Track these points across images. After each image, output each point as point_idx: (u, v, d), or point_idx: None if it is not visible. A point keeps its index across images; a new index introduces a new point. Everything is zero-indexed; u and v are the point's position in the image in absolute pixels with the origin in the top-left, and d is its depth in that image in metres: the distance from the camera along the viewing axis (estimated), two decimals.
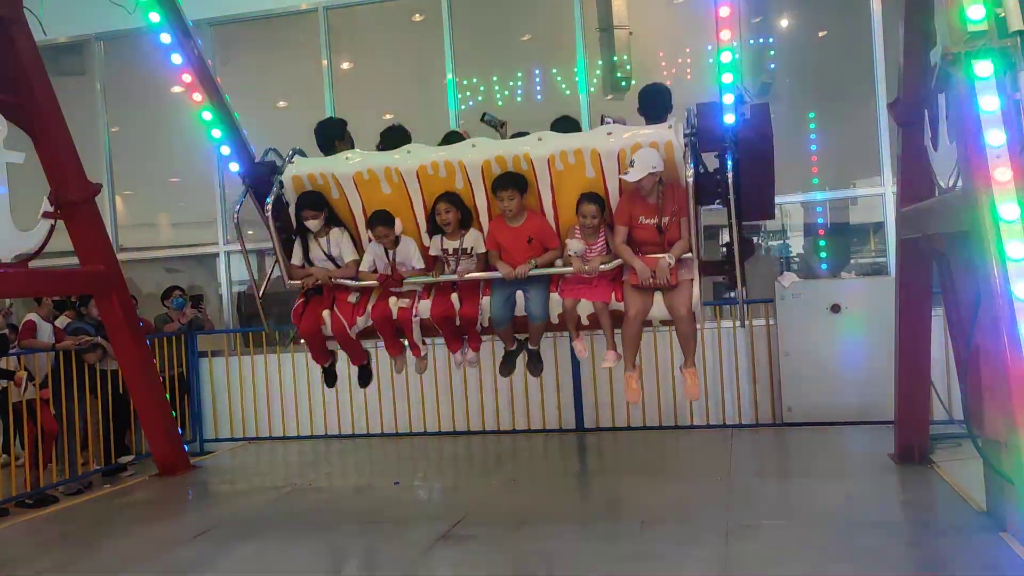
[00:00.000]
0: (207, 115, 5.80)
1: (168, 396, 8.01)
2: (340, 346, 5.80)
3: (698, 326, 5.27)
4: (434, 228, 5.36)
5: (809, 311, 7.79)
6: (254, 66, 10.42)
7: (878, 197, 8.47)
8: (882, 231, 8.57)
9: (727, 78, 5.06)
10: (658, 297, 5.15)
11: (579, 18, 9.23)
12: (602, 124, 5.40)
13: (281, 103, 10.53)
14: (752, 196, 5.20)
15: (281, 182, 5.51)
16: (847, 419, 7.54)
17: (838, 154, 8.86)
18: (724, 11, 5.01)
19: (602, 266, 5.12)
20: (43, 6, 6.66)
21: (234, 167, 5.83)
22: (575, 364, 8.28)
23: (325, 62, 9.76)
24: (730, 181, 5.00)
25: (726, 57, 5.07)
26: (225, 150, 5.83)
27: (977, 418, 4.75)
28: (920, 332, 6.13)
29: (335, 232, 5.50)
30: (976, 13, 4.14)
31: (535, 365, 5.80)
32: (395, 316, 5.47)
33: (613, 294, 5.22)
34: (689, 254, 5.04)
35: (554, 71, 9.62)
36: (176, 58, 5.73)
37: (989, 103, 4.14)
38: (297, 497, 6.68)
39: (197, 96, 5.76)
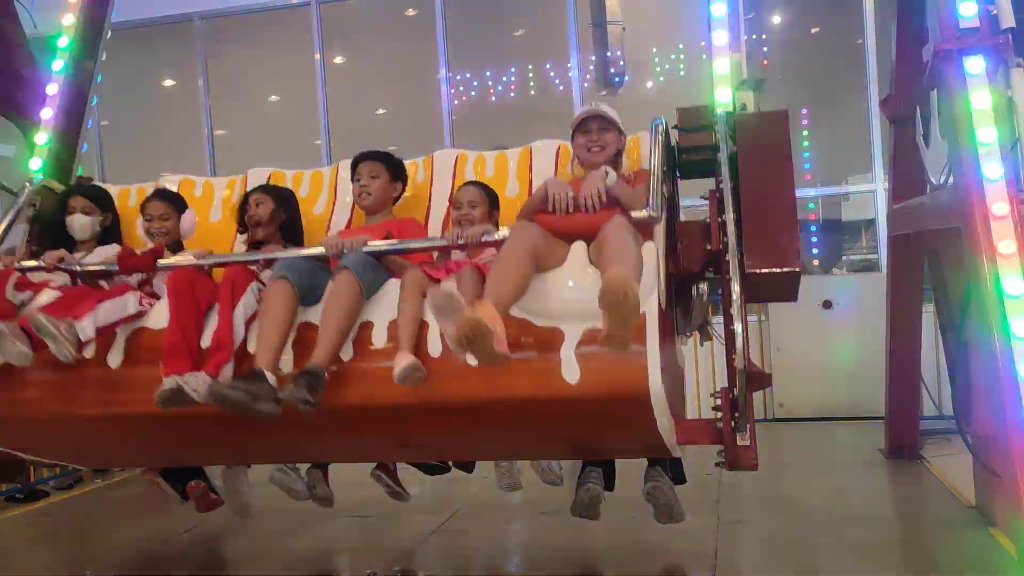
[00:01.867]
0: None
1: None
2: None
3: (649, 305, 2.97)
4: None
5: (801, 307, 7.76)
6: (245, 60, 10.40)
7: (870, 194, 8.51)
8: (873, 227, 8.61)
9: (723, 95, 3.78)
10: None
11: (572, 14, 9.23)
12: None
13: (273, 97, 10.52)
14: (763, 236, 3.14)
15: None
16: (838, 415, 7.58)
17: (830, 150, 8.91)
18: (718, 9, 4.19)
19: (487, 236, 3.31)
20: None
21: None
22: None
23: (318, 56, 9.74)
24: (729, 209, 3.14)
25: (721, 66, 3.95)
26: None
27: (966, 414, 4.78)
28: (911, 328, 6.17)
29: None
30: (968, 10, 4.15)
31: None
32: None
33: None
34: (646, 213, 3.05)
35: (547, 66, 9.63)
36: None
37: (980, 100, 4.15)
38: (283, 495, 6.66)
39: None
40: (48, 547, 5.58)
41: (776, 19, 9.34)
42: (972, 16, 4.15)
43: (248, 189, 4.22)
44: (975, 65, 4.17)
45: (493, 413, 3.18)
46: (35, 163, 4.97)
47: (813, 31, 9.32)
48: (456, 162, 4.23)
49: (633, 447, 3.62)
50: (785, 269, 3.16)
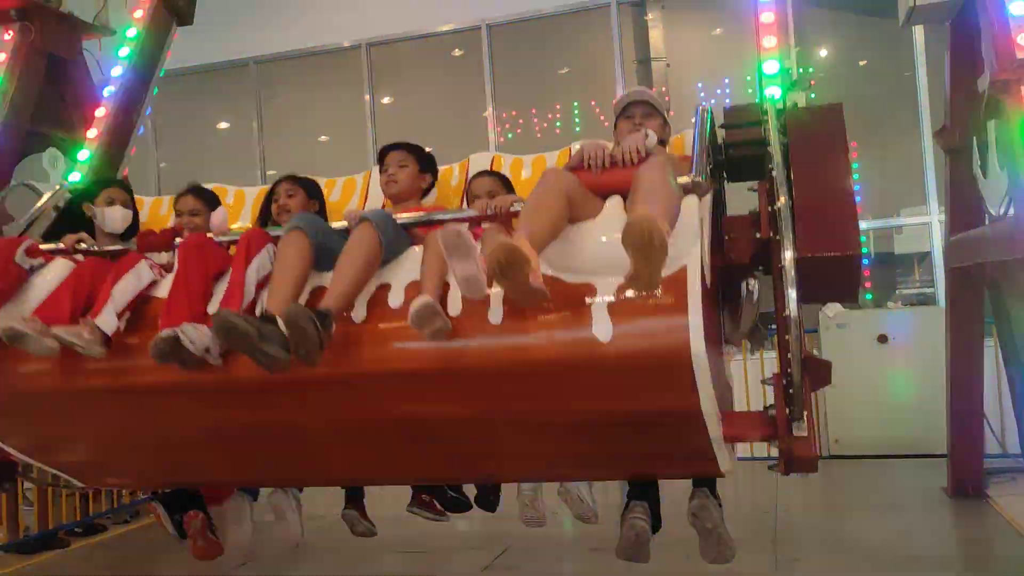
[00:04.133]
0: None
1: None
2: None
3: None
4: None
5: (855, 342, 7.68)
6: (297, 102, 10.67)
7: (924, 226, 8.37)
8: (928, 260, 8.46)
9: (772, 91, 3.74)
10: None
11: (617, 51, 9.33)
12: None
13: (323, 137, 10.76)
14: (819, 220, 2.90)
15: None
16: (897, 452, 7.39)
17: (881, 183, 8.79)
18: (767, 17, 4.23)
19: (515, 206, 3.04)
20: (101, 48, 6.91)
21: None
22: None
23: (367, 97, 9.97)
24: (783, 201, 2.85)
25: (771, 67, 3.97)
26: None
27: None
28: (972, 363, 6.01)
29: None
30: None
31: None
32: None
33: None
34: (690, 178, 2.89)
35: (592, 103, 9.71)
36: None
37: None
38: (338, 527, 6.69)
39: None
40: None
41: (823, 52, 9.32)
42: None
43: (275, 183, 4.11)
44: None
45: (518, 381, 2.88)
46: (74, 176, 5.23)
47: (861, 64, 9.27)
48: (491, 165, 4.08)
49: (673, 440, 3.09)
50: (845, 253, 2.84)
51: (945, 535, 5.53)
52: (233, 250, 3.33)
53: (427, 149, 4.02)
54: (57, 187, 4.64)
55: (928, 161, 8.24)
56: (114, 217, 4.05)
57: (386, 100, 10.23)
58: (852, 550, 5.18)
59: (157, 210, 4.59)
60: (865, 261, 9.18)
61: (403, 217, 3.29)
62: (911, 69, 8.44)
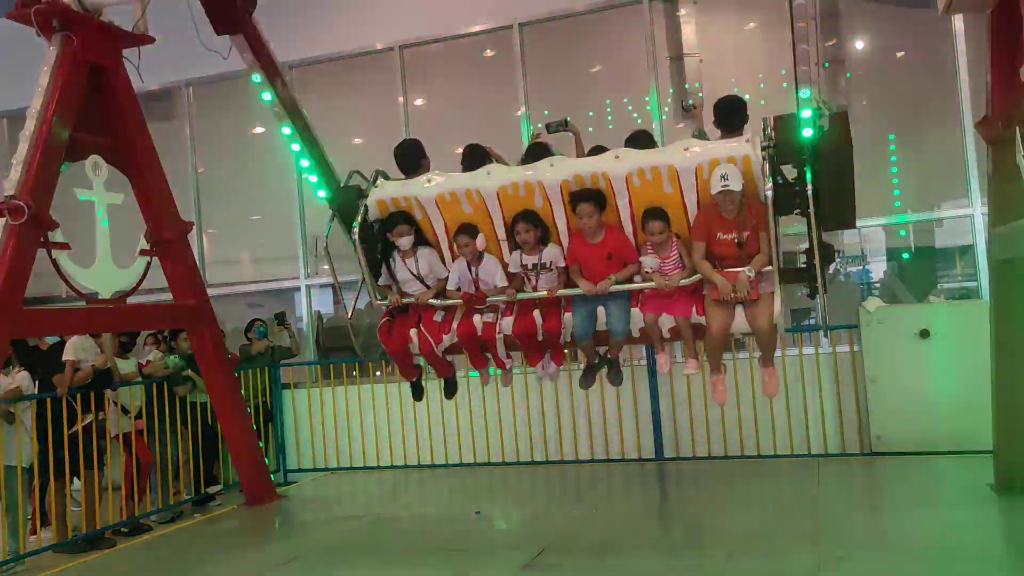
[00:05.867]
0: (295, 147, 6.28)
1: (254, 427, 8.22)
2: (427, 362, 5.95)
3: (779, 335, 5.27)
4: (515, 244, 5.43)
5: (896, 337, 7.57)
6: (331, 105, 10.74)
7: (965, 218, 8.22)
8: (970, 253, 8.30)
9: (805, 94, 4.87)
10: (739, 310, 5.14)
11: (649, 48, 9.28)
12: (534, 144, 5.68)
13: (356, 140, 10.83)
14: (833, 205, 5.12)
15: (367, 206, 5.62)
16: (941, 448, 7.26)
17: (921, 176, 8.64)
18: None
19: (682, 281, 5.12)
20: (141, 56, 7.03)
21: (321, 193, 6.11)
22: (653, 393, 8.21)
23: (401, 99, 10.02)
24: (809, 193, 4.92)
25: (803, 55, 4.87)
26: (312, 178, 6.23)
27: None
28: (1018, 356, 5.89)
29: (423, 251, 5.61)
30: None
31: (615, 376, 5.79)
32: (480, 333, 5.56)
33: (694, 308, 5.23)
34: (769, 267, 5.01)
35: (625, 101, 9.67)
36: (266, 96, 6.33)
37: None
38: (379, 527, 6.75)
39: (286, 129, 6.17)
40: None
41: (859, 45, 9.18)
42: None
43: (512, 219, 5.36)
44: None
45: None
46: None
47: (898, 55, 9.12)
48: (627, 179, 5.24)
49: None
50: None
51: (993, 531, 5.42)
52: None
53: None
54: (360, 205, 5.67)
55: (969, 153, 8.08)
56: (406, 241, 5.50)
57: (419, 102, 10.28)
58: (898, 547, 5.10)
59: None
60: (905, 255, 9.04)
61: (619, 288, 5.28)
62: (950, 60, 8.29)
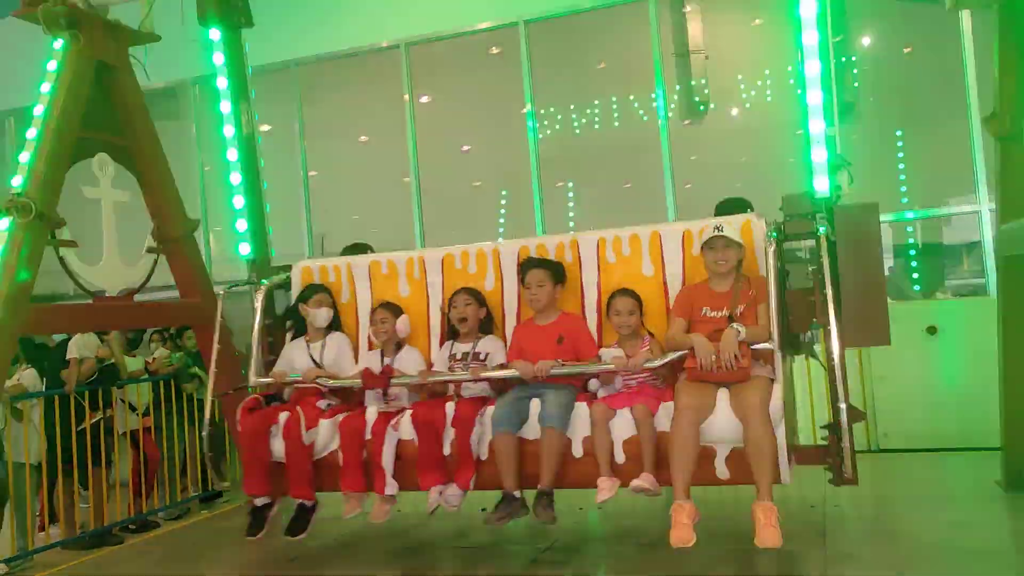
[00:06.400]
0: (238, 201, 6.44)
1: None
2: (285, 462, 4.70)
3: (780, 443, 3.94)
4: (450, 332, 4.70)
5: (903, 334, 7.48)
6: (337, 103, 10.77)
7: (973, 215, 8.19)
8: (977, 250, 8.28)
9: (814, 97, 4.55)
10: (722, 397, 3.99)
11: (656, 45, 9.26)
12: None
13: (363, 138, 10.84)
14: (856, 313, 4.17)
15: (288, 277, 5.30)
16: (948, 445, 7.24)
17: (928, 172, 8.63)
18: (807, 9, 4.36)
19: (648, 363, 4.11)
20: (147, 53, 7.04)
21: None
22: None
23: (407, 96, 10.03)
24: (826, 269, 4.05)
25: (811, 68, 4.48)
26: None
27: None
28: None
29: (336, 336, 5.02)
30: None
31: (545, 510, 4.31)
32: (368, 431, 4.48)
33: (661, 405, 4.13)
34: (768, 345, 3.99)
35: (631, 98, 9.66)
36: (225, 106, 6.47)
37: None
38: (387, 522, 6.74)
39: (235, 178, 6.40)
40: (160, 574, 5.79)
41: (866, 40, 9.15)
42: None
43: (452, 293, 4.80)
44: None
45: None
46: None
47: (906, 51, 9.09)
48: (598, 246, 4.74)
49: None
50: (879, 345, 4.42)
51: (1001, 529, 5.40)
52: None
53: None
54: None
55: (977, 148, 8.07)
56: (323, 316, 5.06)
57: (424, 99, 10.28)
58: (905, 544, 5.09)
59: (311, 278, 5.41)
60: (912, 252, 9.02)
61: (559, 371, 4.27)
62: (958, 55, 8.26)
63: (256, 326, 5.10)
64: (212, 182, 10.75)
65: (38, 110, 6.14)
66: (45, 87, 6.22)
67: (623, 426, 4.17)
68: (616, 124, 9.67)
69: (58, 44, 6.36)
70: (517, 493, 4.32)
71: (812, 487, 6.73)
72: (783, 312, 4.10)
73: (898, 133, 8.75)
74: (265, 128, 11.20)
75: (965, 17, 8.13)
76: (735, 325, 4.02)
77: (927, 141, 8.74)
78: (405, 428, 4.47)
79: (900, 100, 8.89)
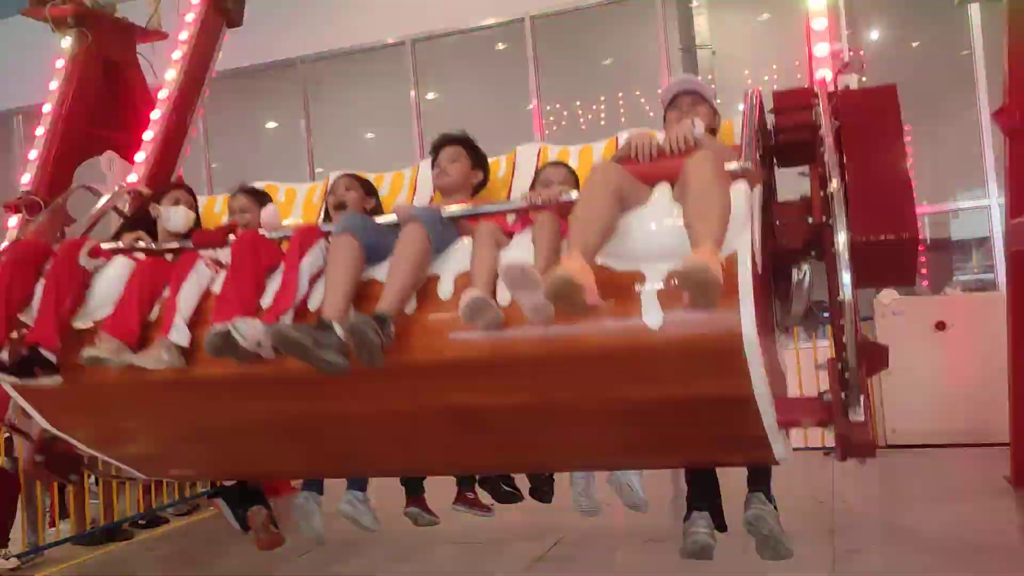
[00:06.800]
0: None
1: None
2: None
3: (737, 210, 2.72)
4: (325, 220, 3.98)
5: (912, 329, 7.52)
6: (343, 100, 10.79)
7: (982, 209, 8.16)
8: (986, 245, 8.24)
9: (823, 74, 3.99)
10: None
11: (662, 40, 9.25)
12: None
13: (368, 134, 10.86)
14: (873, 202, 2.87)
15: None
16: (956, 441, 7.22)
17: (937, 167, 8.58)
18: (819, 24, 4.10)
19: (565, 197, 3.13)
20: (154, 51, 7.06)
21: None
22: None
23: (413, 93, 10.03)
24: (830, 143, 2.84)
25: (821, 49, 4.13)
26: None
27: None
28: None
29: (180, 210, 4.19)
30: None
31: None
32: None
33: None
34: (738, 164, 2.85)
35: (637, 93, 9.65)
36: None
37: None
38: (393, 519, 6.76)
39: None
40: (169, 569, 5.83)
41: (874, 35, 9.12)
42: None
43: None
44: None
45: (569, 369, 2.91)
46: (131, 178, 5.63)
47: (914, 45, 9.05)
48: (539, 155, 4.05)
49: (726, 427, 3.08)
50: (900, 236, 2.80)
51: (1010, 525, 5.38)
52: (286, 245, 3.34)
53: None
54: (117, 188, 4.80)
55: (986, 143, 8.03)
56: (179, 217, 4.11)
57: (431, 96, 10.29)
58: (913, 541, 5.09)
59: (211, 209, 4.67)
60: (921, 247, 8.99)
61: (451, 210, 3.30)
62: (966, 49, 8.22)
63: None
64: (219, 179, 10.78)
65: (46, 108, 6.17)
66: (53, 85, 6.24)
67: (518, 258, 2.87)
68: (623, 120, 9.65)
69: (66, 42, 6.39)
70: (339, 326, 2.94)
71: (820, 483, 6.73)
72: (770, 231, 3.04)
73: (907, 128, 8.72)
74: (272, 125, 11.27)
75: (973, 11, 8.09)
76: (692, 119, 3.25)
77: (936, 136, 8.70)
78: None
79: (908, 94, 8.82)
